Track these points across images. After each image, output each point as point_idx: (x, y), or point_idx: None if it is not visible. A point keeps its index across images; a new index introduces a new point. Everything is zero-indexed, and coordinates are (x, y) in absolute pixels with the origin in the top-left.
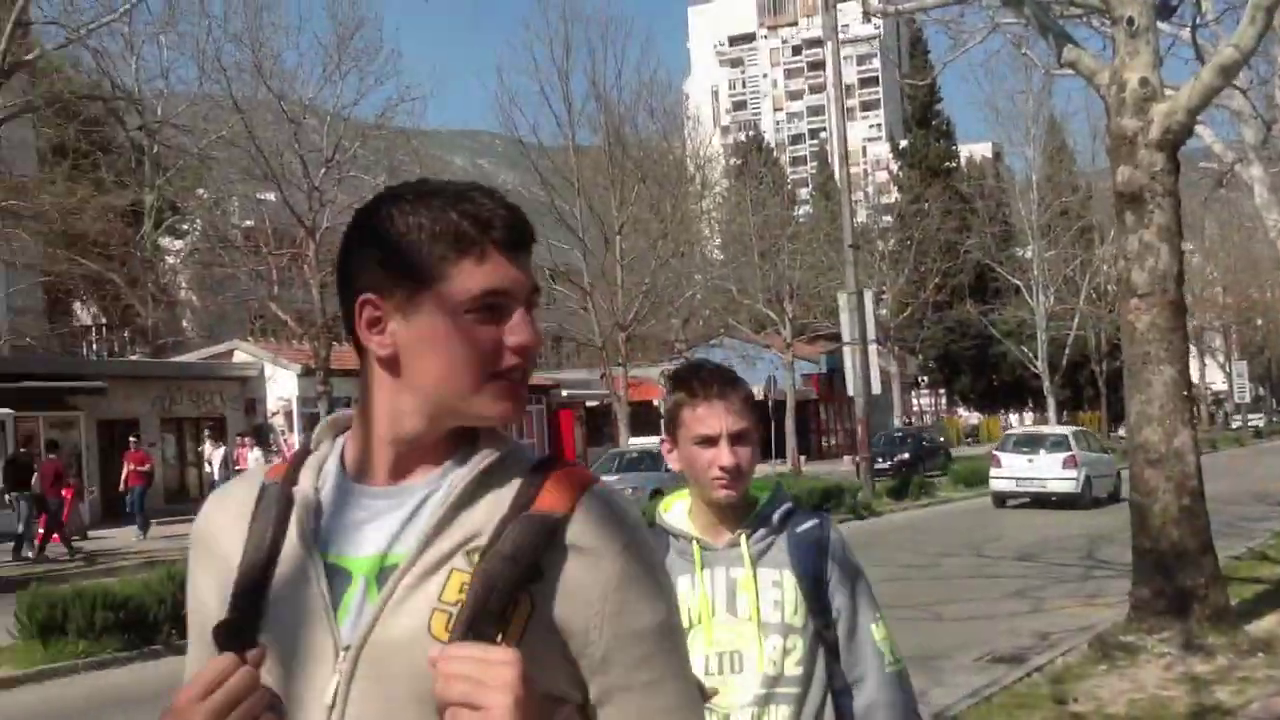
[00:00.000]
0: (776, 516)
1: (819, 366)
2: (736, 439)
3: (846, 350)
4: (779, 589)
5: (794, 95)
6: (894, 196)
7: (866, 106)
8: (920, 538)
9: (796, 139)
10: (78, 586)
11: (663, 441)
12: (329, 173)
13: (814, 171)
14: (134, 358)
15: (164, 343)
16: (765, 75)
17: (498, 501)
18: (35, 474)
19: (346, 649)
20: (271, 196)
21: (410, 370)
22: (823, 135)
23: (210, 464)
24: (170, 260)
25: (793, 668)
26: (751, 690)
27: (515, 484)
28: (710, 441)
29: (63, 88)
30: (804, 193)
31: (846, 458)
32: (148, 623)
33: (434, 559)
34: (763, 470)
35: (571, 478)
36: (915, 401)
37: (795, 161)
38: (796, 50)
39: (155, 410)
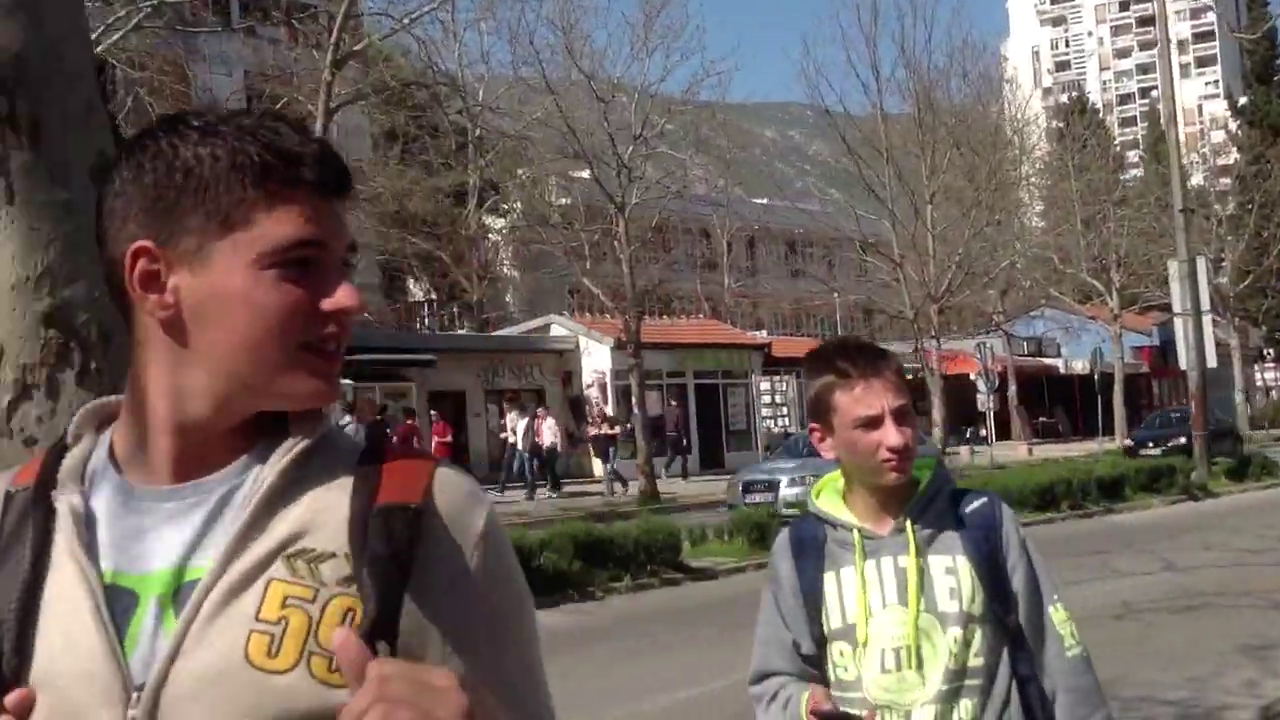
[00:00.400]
0: (942, 498)
1: (1150, 339)
2: (900, 416)
3: (1178, 321)
4: (953, 576)
5: (1121, 53)
6: (1233, 157)
7: (1202, 63)
8: (1261, 521)
9: (1125, 99)
10: None
11: (812, 429)
12: (637, 149)
13: (1144, 133)
14: (461, 332)
15: (488, 317)
16: (1090, 33)
17: (324, 496)
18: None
19: (140, 689)
20: (584, 174)
21: (199, 338)
22: (1154, 94)
23: (514, 433)
24: (493, 238)
25: (974, 659)
26: (933, 686)
27: (343, 475)
28: (873, 423)
29: (390, 75)
30: (1132, 155)
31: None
32: None
33: (246, 569)
34: (1089, 448)
35: (413, 463)
36: (1259, 376)
37: (1124, 123)
38: (1124, 5)
39: (480, 382)
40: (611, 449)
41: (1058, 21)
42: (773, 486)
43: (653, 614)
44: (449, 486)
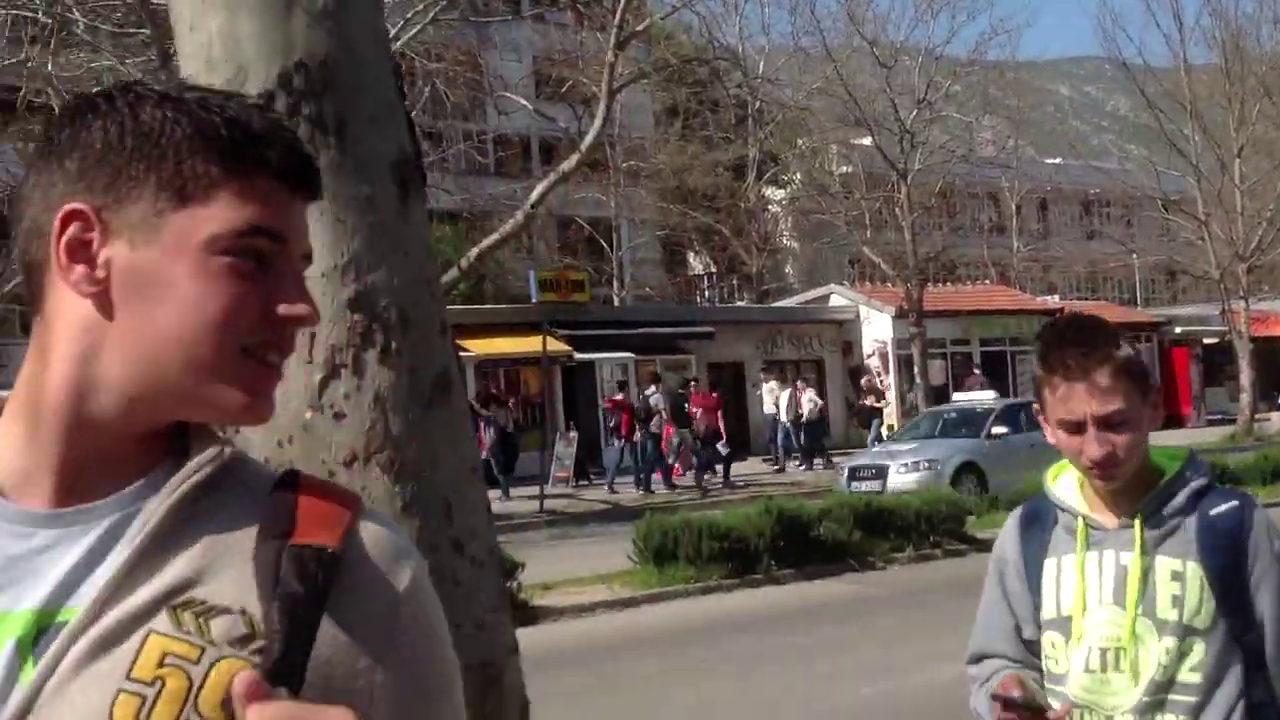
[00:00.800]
0: (1184, 495)
1: None
2: (1105, 423)
3: None
4: (1179, 582)
5: None
6: None
7: None
8: None
9: None
10: (686, 517)
11: (1036, 410)
12: (920, 113)
13: None
14: (740, 304)
15: (767, 289)
16: None
17: (224, 538)
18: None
19: None
20: (866, 141)
21: (124, 323)
22: None
23: (778, 406)
24: (772, 209)
25: (1188, 673)
26: (1136, 694)
27: (248, 512)
28: (1076, 427)
29: (671, 52)
30: None
31: None
32: (748, 553)
33: (123, 617)
34: None
35: (331, 502)
36: None
37: None
38: None
39: (759, 353)
40: (876, 421)
41: None
42: (881, 473)
43: (936, 585)
44: (373, 536)
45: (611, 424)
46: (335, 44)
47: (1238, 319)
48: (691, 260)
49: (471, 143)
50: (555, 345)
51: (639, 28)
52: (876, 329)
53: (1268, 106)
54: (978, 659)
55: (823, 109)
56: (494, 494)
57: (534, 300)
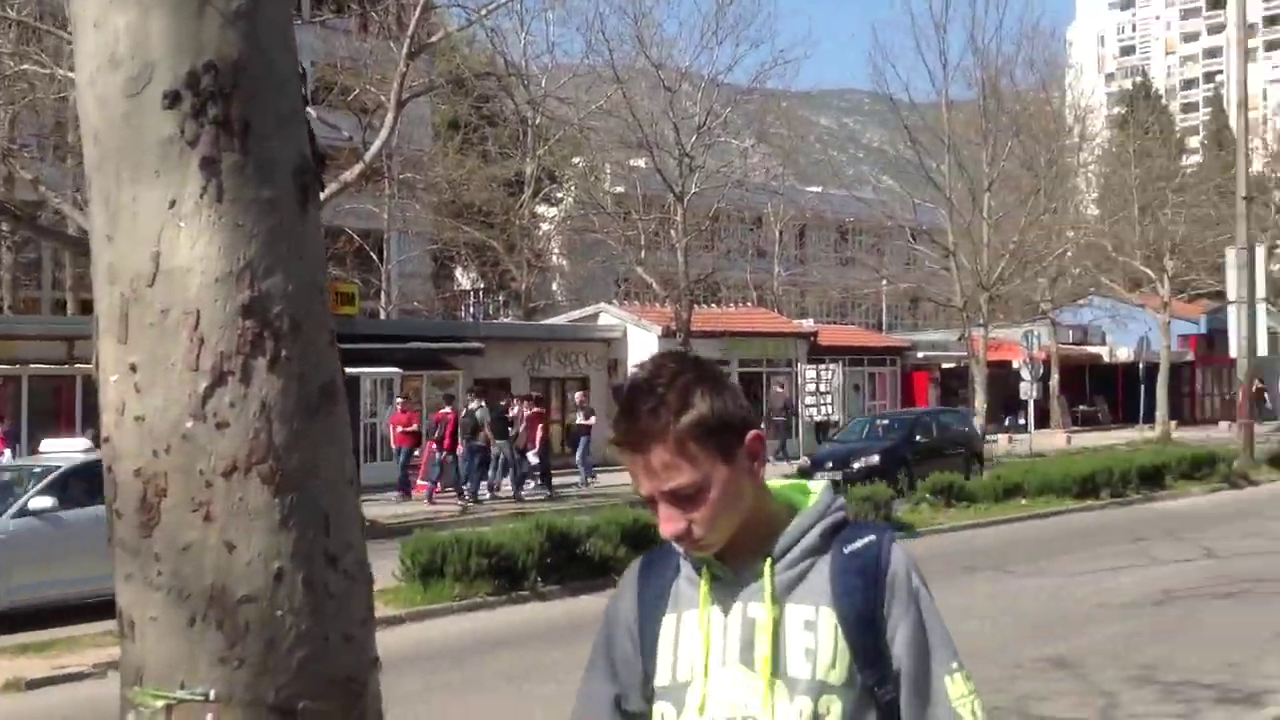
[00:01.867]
0: (817, 533)
1: (1197, 327)
2: (674, 499)
3: (1231, 310)
4: (812, 632)
5: (1189, 37)
6: None
7: (1270, 47)
8: None
9: (1189, 84)
10: (456, 534)
11: None
12: (699, 138)
13: (1206, 119)
14: (507, 320)
15: (535, 306)
16: (1159, 17)
17: None
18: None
19: None
20: (643, 163)
21: None
22: (1219, 79)
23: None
24: (545, 227)
25: None
26: None
27: None
28: (650, 501)
29: (461, 66)
30: (1193, 141)
31: (1223, 424)
32: (516, 569)
33: None
34: (1129, 437)
35: None
36: None
37: (1186, 108)
38: None
39: (525, 370)
40: (584, 439)
41: (1126, 5)
42: None
43: None
44: None
45: (436, 436)
46: (247, 45)
47: (976, 345)
48: (459, 275)
49: None
50: None
51: (432, 39)
52: (643, 347)
53: (1016, 145)
54: None
55: (604, 129)
56: None
57: None
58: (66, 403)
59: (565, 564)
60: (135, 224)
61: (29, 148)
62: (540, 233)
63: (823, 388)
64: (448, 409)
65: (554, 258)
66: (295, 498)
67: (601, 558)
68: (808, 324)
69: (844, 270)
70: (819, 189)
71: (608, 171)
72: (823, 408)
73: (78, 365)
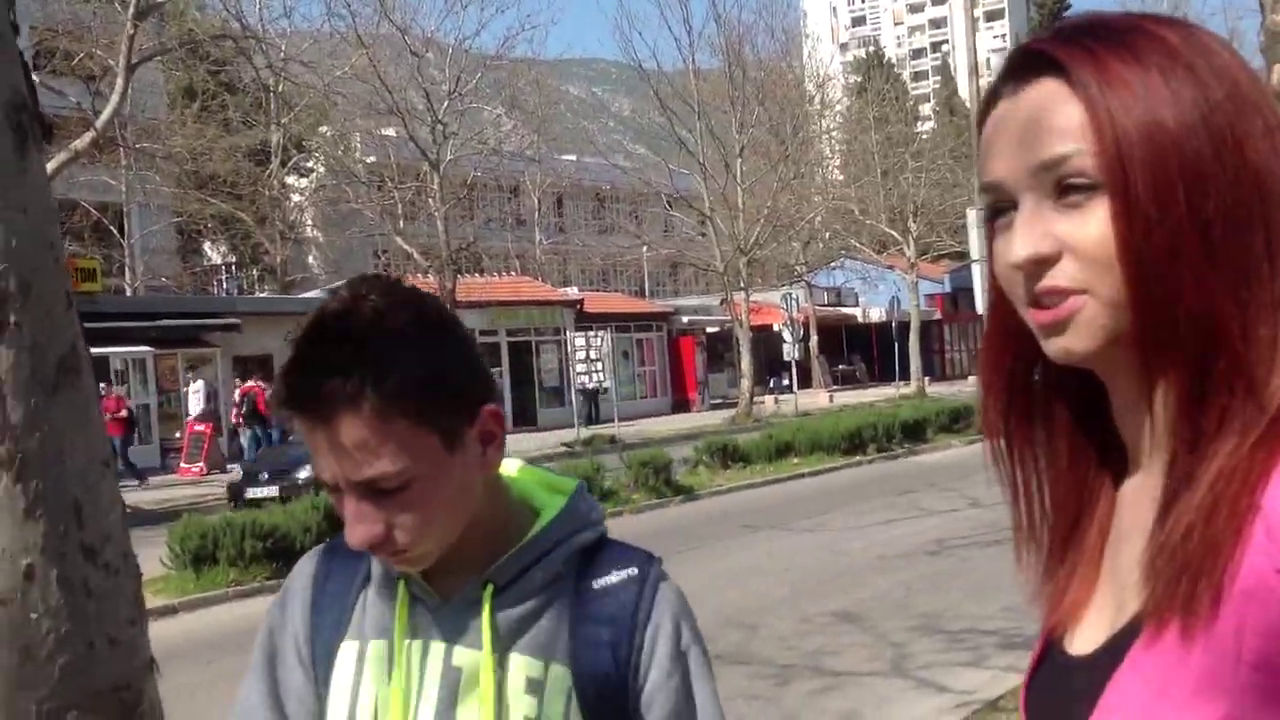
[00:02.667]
0: (562, 556)
1: (943, 286)
2: (367, 493)
3: (975, 268)
4: (536, 697)
5: (915, 8)
6: None
7: (991, 16)
8: None
9: (918, 53)
10: (227, 518)
11: None
12: (451, 105)
13: (937, 86)
14: (263, 295)
15: (291, 280)
16: None
17: None
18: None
19: None
20: (393, 132)
21: None
22: (945, 48)
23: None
24: (296, 198)
25: None
26: None
27: None
28: (333, 486)
29: (194, 29)
30: (926, 109)
31: (972, 378)
32: (294, 551)
33: None
34: (887, 394)
35: None
36: None
37: (916, 77)
38: None
39: (286, 346)
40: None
41: None
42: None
43: None
44: None
45: (245, 412)
46: None
47: (738, 309)
48: (208, 249)
49: None
50: None
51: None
52: None
53: (764, 113)
54: None
55: (351, 96)
56: None
57: None
58: None
59: None
60: None
61: None
62: (292, 204)
63: (592, 354)
64: (252, 382)
65: (308, 230)
66: (40, 484)
67: None
68: (573, 292)
69: (604, 238)
70: (574, 157)
71: (358, 141)
72: (594, 375)
73: None
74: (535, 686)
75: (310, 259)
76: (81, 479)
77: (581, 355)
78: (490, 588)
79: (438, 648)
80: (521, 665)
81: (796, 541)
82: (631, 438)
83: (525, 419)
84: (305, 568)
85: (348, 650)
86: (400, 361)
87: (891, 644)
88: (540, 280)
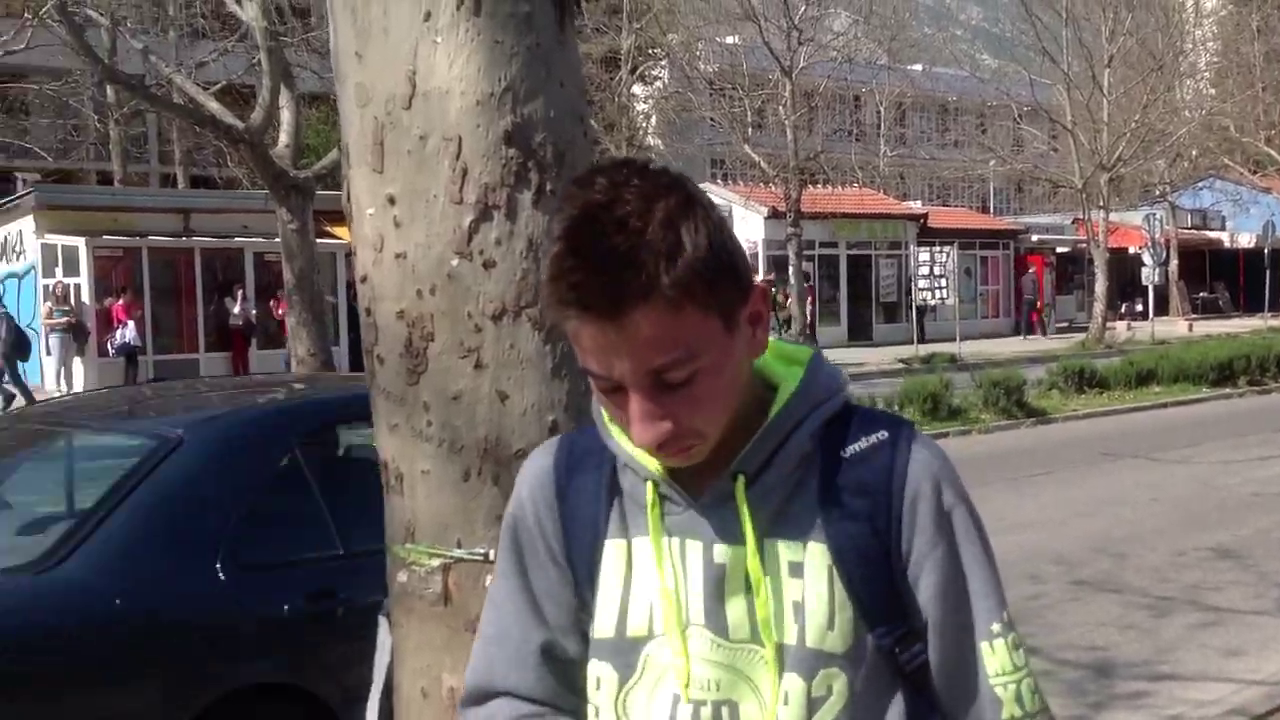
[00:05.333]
0: (809, 430)
1: None
2: (654, 387)
3: None
4: (799, 580)
5: None
6: None
7: None
8: None
9: None
10: None
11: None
12: (807, 12)
13: None
14: None
15: None
16: None
17: None
18: None
19: None
20: (736, 39)
21: None
22: None
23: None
24: (641, 106)
25: None
26: None
27: None
28: (614, 388)
29: None
30: None
31: None
32: None
33: None
34: (1253, 325)
35: None
36: None
37: None
38: None
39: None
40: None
41: None
42: None
43: None
44: None
45: None
46: None
47: (1095, 229)
48: None
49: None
50: None
51: None
52: (749, 229)
53: (1133, 22)
54: (479, 697)
55: (706, 4)
56: None
57: None
58: (185, 275)
59: None
60: (387, 40)
61: (129, 19)
62: (637, 112)
63: (936, 270)
64: None
65: (648, 138)
66: (565, 345)
67: None
68: (916, 206)
69: (951, 152)
70: (920, 67)
71: (702, 48)
72: (936, 292)
73: (194, 238)
74: (797, 569)
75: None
76: None
77: (925, 271)
78: (741, 479)
79: (695, 546)
80: (781, 550)
81: (1164, 473)
82: (971, 358)
83: (862, 334)
84: (541, 463)
85: (613, 550)
86: (683, 245)
87: (1276, 584)
88: (883, 194)
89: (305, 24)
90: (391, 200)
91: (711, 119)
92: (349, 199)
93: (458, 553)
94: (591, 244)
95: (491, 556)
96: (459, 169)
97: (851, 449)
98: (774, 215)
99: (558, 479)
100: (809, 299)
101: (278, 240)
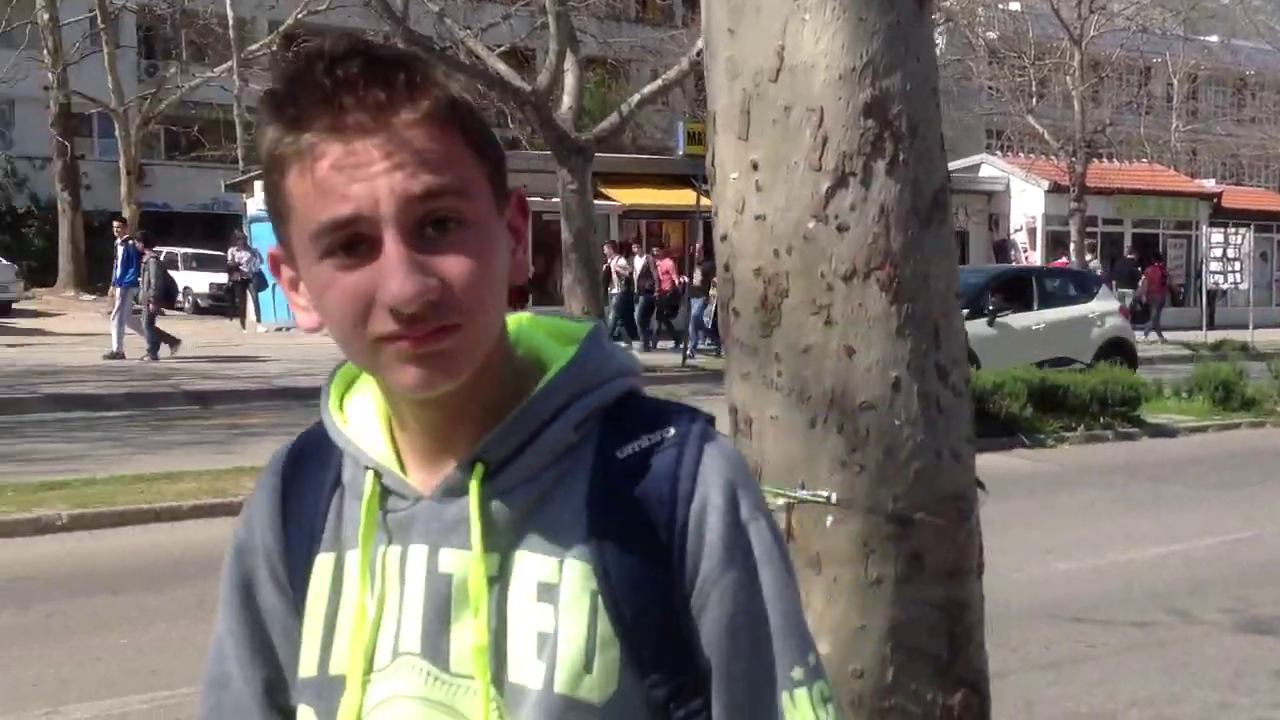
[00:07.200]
0: (575, 416)
1: None
2: (419, 231)
3: None
4: (550, 605)
5: None
6: None
7: None
8: None
9: None
10: None
11: (271, 259)
12: None
13: None
14: None
15: None
16: None
17: None
18: None
19: None
20: (1018, 5)
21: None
22: None
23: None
24: None
25: None
26: None
27: None
28: (351, 245)
29: None
30: None
31: None
32: None
33: None
34: None
35: None
36: None
37: None
38: None
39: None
40: (700, 300)
41: None
42: None
43: (1110, 466)
44: None
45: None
46: None
47: None
48: None
49: None
50: (705, 200)
51: None
52: (1028, 203)
53: None
54: None
55: None
56: (635, 345)
57: (680, 153)
58: None
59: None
60: (759, 17)
61: None
62: None
63: (1230, 253)
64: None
65: None
66: (910, 307)
67: (1008, 415)
68: (1210, 184)
69: (1246, 128)
70: (1213, 38)
71: (981, 13)
72: (1229, 276)
73: None
74: (548, 592)
75: None
76: (942, 304)
77: (1217, 254)
78: (480, 468)
79: (419, 552)
80: (530, 565)
81: None
82: (1265, 347)
83: (1143, 316)
84: (268, 477)
85: (323, 563)
86: (447, 81)
87: None
88: (1174, 170)
89: None
90: (755, 166)
91: (991, 87)
92: (713, 164)
93: (802, 494)
94: (353, 46)
95: (833, 499)
96: (820, 138)
97: (629, 449)
98: (1055, 189)
99: (283, 484)
100: (1158, 280)
101: (556, 200)
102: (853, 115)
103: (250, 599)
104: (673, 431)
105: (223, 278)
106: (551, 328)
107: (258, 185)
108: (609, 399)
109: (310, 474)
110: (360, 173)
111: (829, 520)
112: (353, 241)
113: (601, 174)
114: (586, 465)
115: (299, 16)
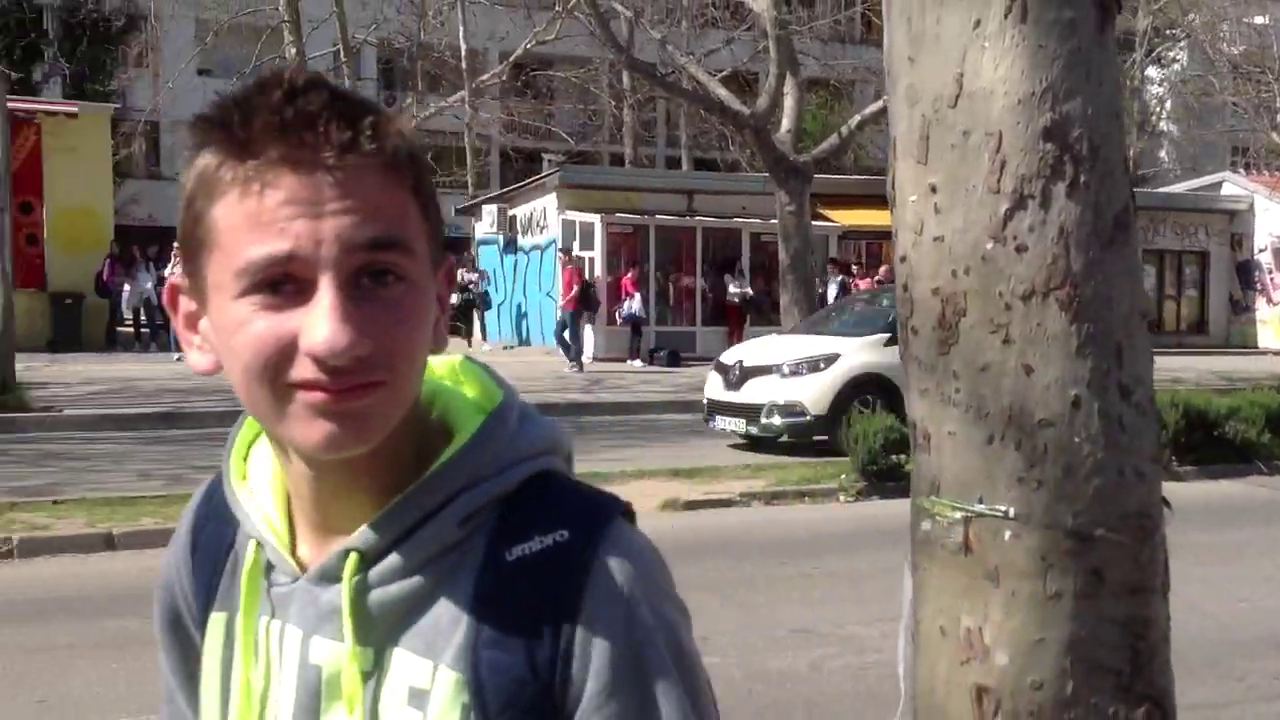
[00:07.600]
0: (457, 513)
1: None
2: (357, 283)
3: None
4: (420, 713)
5: None
6: None
7: None
8: None
9: None
10: None
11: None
12: None
13: None
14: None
15: (1143, 174)
16: None
17: None
18: None
19: None
20: (1265, 19)
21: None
22: None
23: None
24: (1153, 89)
25: None
26: None
27: None
28: (278, 283)
29: None
30: None
31: None
32: None
33: None
34: None
35: None
36: None
37: None
38: None
39: (1140, 240)
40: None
41: None
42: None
43: None
44: None
45: None
46: None
47: None
48: None
49: (838, 9)
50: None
51: None
52: (1272, 222)
53: None
54: None
55: None
56: None
57: None
58: (686, 252)
59: (1204, 445)
60: (938, 45)
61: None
62: (1151, 95)
63: None
64: None
65: (1161, 123)
66: (1090, 327)
67: (1244, 440)
68: None
69: None
70: None
71: (1226, 29)
72: None
73: (697, 217)
74: (419, 699)
75: (1162, 153)
76: (1124, 325)
77: None
78: (354, 558)
79: (294, 635)
80: (404, 666)
81: None
82: None
83: None
84: (185, 517)
85: (216, 622)
86: (409, 133)
87: None
88: None
89: (811, 13)
90: (933, 189)
91: (1235, 104)
92: (893, 186)
93: (979, 508)
94: (308, 83)
95: (1011, 514)
96: (998, 161)
97: (519, 550)
98: None
99: (195, 527)
100: None
101: (774, 221)
102: (1031, 139)
103: (180, 631)
104: (566, 535)
105: (453, 298)
106: (481, 385)
107: (485, 209)
108: (510, 486)
109: (214, 527)
110: (306, 210)
111: (1007, 534)
112: (279, 280)
113: (821, 195)
114: (475, 563)
115: (528, 47)
